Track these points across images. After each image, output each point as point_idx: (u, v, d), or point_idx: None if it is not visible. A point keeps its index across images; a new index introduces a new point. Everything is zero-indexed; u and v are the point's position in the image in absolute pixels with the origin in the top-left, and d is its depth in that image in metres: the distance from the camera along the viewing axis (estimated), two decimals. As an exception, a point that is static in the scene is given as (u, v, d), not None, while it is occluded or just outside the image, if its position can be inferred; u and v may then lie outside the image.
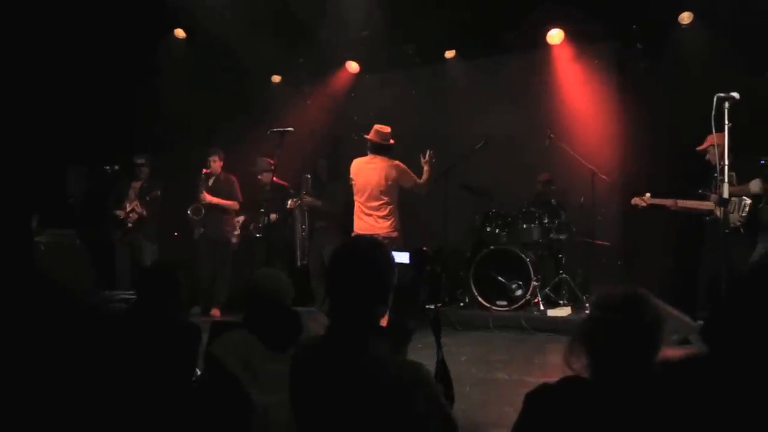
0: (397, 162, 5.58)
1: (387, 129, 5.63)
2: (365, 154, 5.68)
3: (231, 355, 2.43)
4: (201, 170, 7.08)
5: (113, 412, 2.39)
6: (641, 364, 1.62)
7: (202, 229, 7.15)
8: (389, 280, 1.85)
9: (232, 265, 7.16)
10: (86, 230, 6.85)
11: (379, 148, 5.57)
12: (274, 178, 6.34)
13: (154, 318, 2.67)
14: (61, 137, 7.20)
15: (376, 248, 1.88)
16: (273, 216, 6.68)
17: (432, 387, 1.75)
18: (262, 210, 6.58)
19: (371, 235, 5.23)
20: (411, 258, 2.24)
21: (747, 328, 1.46)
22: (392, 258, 1.88)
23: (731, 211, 4.82)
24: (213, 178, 7.19)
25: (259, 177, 7.07)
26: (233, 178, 7.25)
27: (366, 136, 5.66)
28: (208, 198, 7.04)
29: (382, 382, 1.70)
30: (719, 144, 3.97)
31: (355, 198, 5.67)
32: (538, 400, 1.69)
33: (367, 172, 5.60)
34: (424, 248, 2.23)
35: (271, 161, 6.64)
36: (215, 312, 6.86)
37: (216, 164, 7.17)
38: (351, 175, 5.72)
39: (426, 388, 1.72)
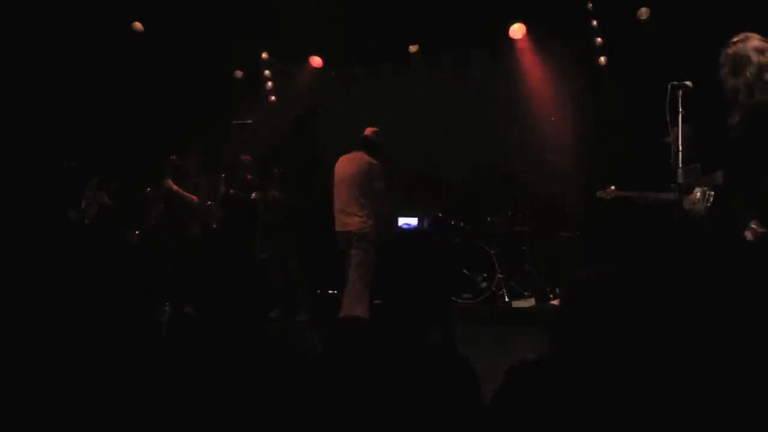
0: (376, 162, 5.34)
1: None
2: (340, 149, 5.56)
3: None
4: (171, 157, 6.87)
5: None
6: (616, 340, 1.65)
7: (161, 218, 6.96)
8: (448, 274, 1.87)
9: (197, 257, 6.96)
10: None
11: (370, 145, 5.38)
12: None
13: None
14: (19, 134, 7.01)
15: (437, 243, 1.91)
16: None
17: (477, 381, 1.76)
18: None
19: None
20: (421, 223, 2.22)
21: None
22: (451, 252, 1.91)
23: (696, 202, 4.89)
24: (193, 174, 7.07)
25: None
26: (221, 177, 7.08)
27: (366, 132, 5.46)
28: (170, 184, 6.89)
29: (432, 372, 1.72)
30: (675, 134, 4.04)
31: (334, 192, 5.56)
32: (518, 374, 1.73)
33: (345, 167, 5.45)
34: (440, 214, 2.26)
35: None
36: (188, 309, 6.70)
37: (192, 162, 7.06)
38: (335, 171, 5.59)
39: (471, 382, 1.74)
